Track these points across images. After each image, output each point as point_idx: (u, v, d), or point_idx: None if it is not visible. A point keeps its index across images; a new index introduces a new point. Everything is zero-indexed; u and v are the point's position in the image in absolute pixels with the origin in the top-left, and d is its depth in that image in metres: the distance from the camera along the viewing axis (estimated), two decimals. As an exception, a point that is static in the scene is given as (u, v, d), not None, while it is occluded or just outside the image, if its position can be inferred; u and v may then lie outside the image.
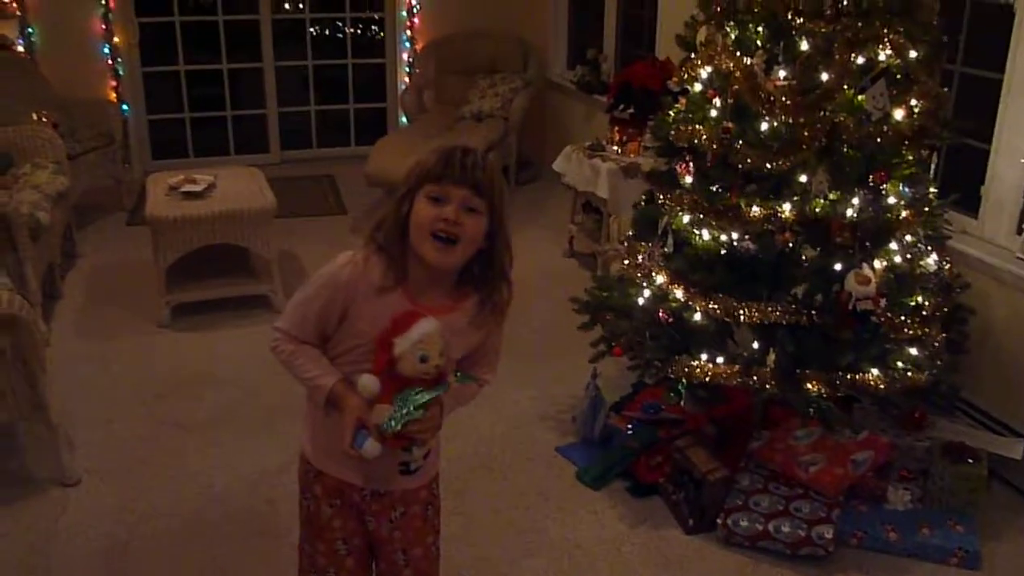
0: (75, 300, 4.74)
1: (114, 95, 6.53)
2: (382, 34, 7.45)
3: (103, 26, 6.42)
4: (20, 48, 6.22)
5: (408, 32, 7.17)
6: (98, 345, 4.24)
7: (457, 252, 1.73)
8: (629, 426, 3.44)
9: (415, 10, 7.12)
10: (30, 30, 6.24)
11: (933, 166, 3.16)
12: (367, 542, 2.00)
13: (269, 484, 3.18)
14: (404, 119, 7.10)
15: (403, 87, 7.20)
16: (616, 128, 4.99)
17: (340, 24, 7.71)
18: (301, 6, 7.51)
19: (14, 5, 6.14)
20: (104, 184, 6.06)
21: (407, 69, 7.25)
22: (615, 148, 4.94)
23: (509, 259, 1.83)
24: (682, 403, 3.38)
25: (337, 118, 7.58)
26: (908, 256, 2.92)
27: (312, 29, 7.44)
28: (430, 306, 1.76)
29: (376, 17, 7.51)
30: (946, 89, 3.31)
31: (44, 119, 5.50)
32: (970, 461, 3.01)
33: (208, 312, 4.47)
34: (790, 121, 2.80)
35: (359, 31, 7.85)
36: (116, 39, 6.48)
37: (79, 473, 3.20)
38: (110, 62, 6.50)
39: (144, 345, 4.25)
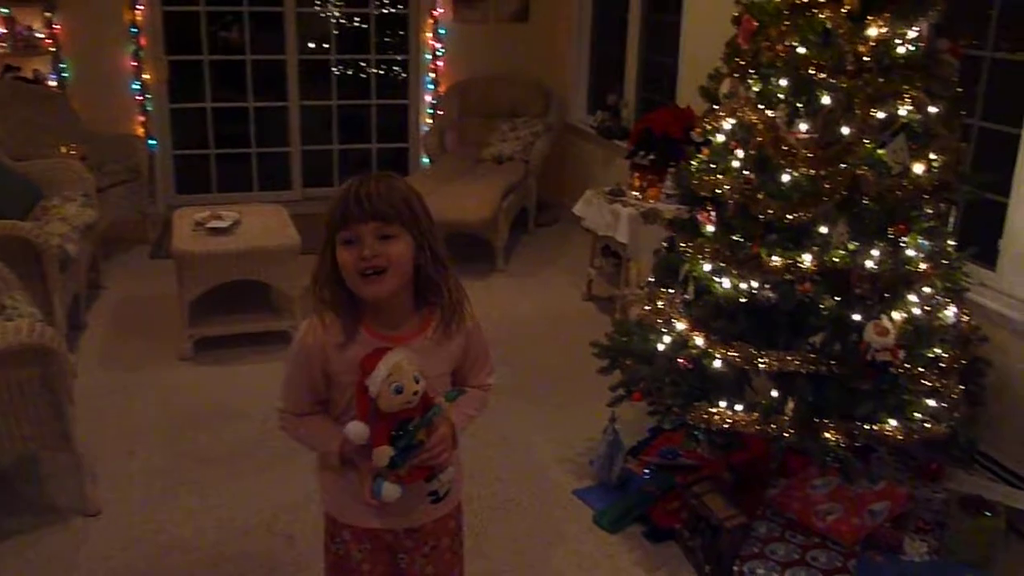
0: (99, 331, 4.81)
1: (142, 130, 6.65)
2: (405, 75, 7.57)
3: (134, 63, 6.55)
4: (52, 83, 6.35)
5: (431, 75, 7.28)
6: (121, 376, 4.29)
7: (389, 280, 1.75)
8: (646, 471, 3.45)
9: (438, 53, 7.24)
10: (63, 65, 6.37)
11: (952, 219, 3.19)
12: None
13: (288, 519, 3.21)
14: (426, 160, 7.19)
15: (425, 128, 7.29)
16: (636, 174, 5.05)
17: (364, 65, 7.84)
18: (327, 46, 7.63)
19: (48, 41, 6.28)
20: (129, 217, 6.15)
21: (429, 111, 7.35)
22: (635, 193, 5.00)
23: (443, 270, 1.83)
24: (699, 449, 3.39)
25: (359, 158, 7.67)
26: (926, 308, 2.94)
27: (336, 69, 7.56)
28: (400, 335, 1.80)
29: (400, 59, 7.63)
30: (965, 143, 3.36)
31: (72, 152, 5.61)
32: (987, 514, 3.01)
33: (230, 346, 4.52)
34: (811, 173, 2.84)
35: (383, 72, 7.97)
36: (146, 76, 6.61)
37: (100, 504, 3.23)
38: (139, 98, 6.63)
39: (166, 377, 4.30)
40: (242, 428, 3.80)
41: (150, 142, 6.63)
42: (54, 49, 6.33)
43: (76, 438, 3.13)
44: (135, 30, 6.50)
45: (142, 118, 6.66)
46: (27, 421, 3.01)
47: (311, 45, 7.85)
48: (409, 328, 1.82)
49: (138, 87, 6.61)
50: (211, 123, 7.13)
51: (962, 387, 3.01)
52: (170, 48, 6.78)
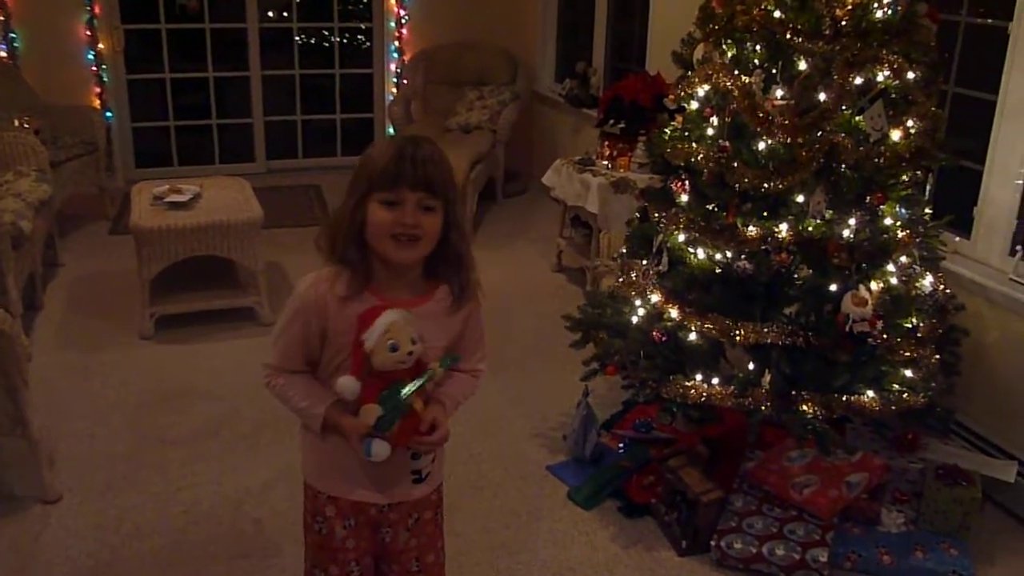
0: (56, 311, 4.67)
1: (98, 102, 6.47)
2: (369, 44, 7.42)
3: (88, 32, 6.35)
4: (3, 53, 6.15)
5: (396, 43, 7.14)
6: (80, 357, 4.17)
7: (419, 249, 1.73)
8: (621, 445, 3.41)
9: (403, 20, 7.09)
10: (13, 35, 6.17)
11: (928, 187, 3.16)
12: (375, 559, 1.99)
13: (254, 503, 3.13)
14: (391, 130, 7.07)
15: (390, 98, 7.17)
16: (606, 142, 4.97)
17: (327, 33, 7.67)
18: (286, 15, 7.46)
19: (-2, 10, 6.08)
20: (87, 192, 5.99)
21: (395, 80, 7.22)
22: (605, 163, 4.92)
23: (467, 244, 1.82)
24: (674, 423, 3.35)
25: (323, 128, 7.54)
26: (904, 277, 2.91)
27: (299, 38, 7.39)
28: (401, 299, 1.76)
29: (364, 27, 7.48)
30: (940, 110, 3.32)
31: (26, 125, 5.43)
32: (964, 484, 2.99)
33: (193, 324, 4.40)
34: (788, 141, 2.79)
35: (346, 40, 7.81)
36: (101, 45, 6.42)
37: (60, 490, 3.13)
38: (94, 69, 6.44)
39: (127, 358, 4.18)
40: (206, 408, 3.70)
41: (107, 114, 6.44)
42: (3, 18, 6.12)
43: (32, 423, 3.02)
44: (88, -2, 6.29)
45: (98, 89, 6.48)
46: (-20, 406, 2.90)
47: (270, 14, 7.67)
48: (414, 295, 1.79)
49: (93, 57, 6.41)
50: (170, 94, 6.95)
51: (938, 357, 2.99)
52: (125, 16, 6.58)
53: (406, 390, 1.70)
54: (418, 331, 1.71)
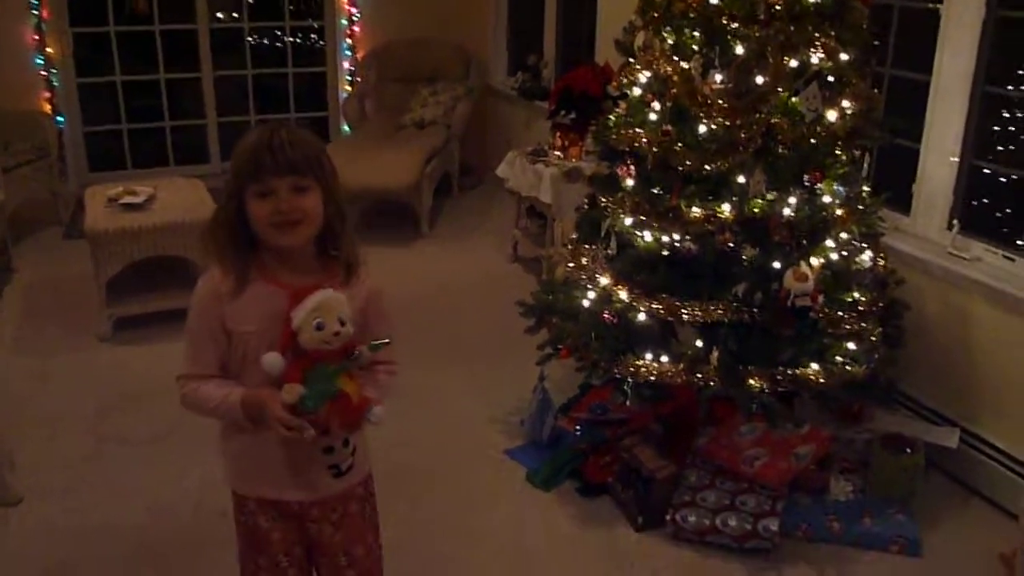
0: (12, 316, 4.65)
1: (48, 107, 6.39)
2: (322, 43, 7.42)
3: (36, 36, 6.28)
4: (-52, 59, 6.07)
5: (348, 40, 7.14)
6: (37, 361, 4.15)
7: (302, 231, 1.74)
8: (577, 427, 3.47)
9: (355, 18, 7.10)
10: (-41, 41, 6.09)
11: (866, 165, 3.25)
12: (306, 550, 2.00)
13: (217, 496, 3.11)
14: (346, 128, 7.07)
15: (344, 96, 7.17)
16: (558, 133, 5.03)
17: (279, 33, 7.65)
18: (236, 16, 7.42)
19: (-59, 16, 6.00)
20: (40, 197, 5.93)
21: (348, 78, 7.22)
22: (557, 153, 4.98)
23: (342, 218, 1.81)
24: (628, 402, 3.41)
25: (278, 128, 7.49)
26: (844, 253, 2.99)
27: (250, 38, 7.35)
28: (304, 285, 1.75)
29: (315, 25, 7.47)
30: (877, 91, 3.41)
31: (-26, 132, 5.39)
32: (908, 451, 3.09)
33: (150, 325, 4.40)
34: (727, 123, 2.86)
35: (298, 39, 7.79)
36: (50, 50, 6.34)
37: (21, 492, 3.13)
38: (44, 73, 6.36)
39: (85, 360, 4.17)
40: (166, 407, 3.66)
41: (58, 119, 6.38)
42: (-52, 24, 6.04)
43: (-9, 425, 3.04)
44: (35, 1, 6.21)
45: (48, 94, 6.39)
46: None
47: (220, 16, 7.63)
48: (313, 278, 1.78)
49: (42, 62, 6.34)
50: (122, 97, 6.89)
51: (881, 329, 3.08)
52: (74, 19, 6.50)
53: (332, 372, 1.70)
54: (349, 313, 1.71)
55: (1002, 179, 3.57)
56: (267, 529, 1.93)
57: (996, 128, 3.64)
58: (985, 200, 3.75)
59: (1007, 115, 3.69)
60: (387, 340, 1.83)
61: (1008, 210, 3.75)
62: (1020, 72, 3.53)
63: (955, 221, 3.39)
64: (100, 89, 6.86)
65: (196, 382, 1.83)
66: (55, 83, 6.41)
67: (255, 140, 1.71)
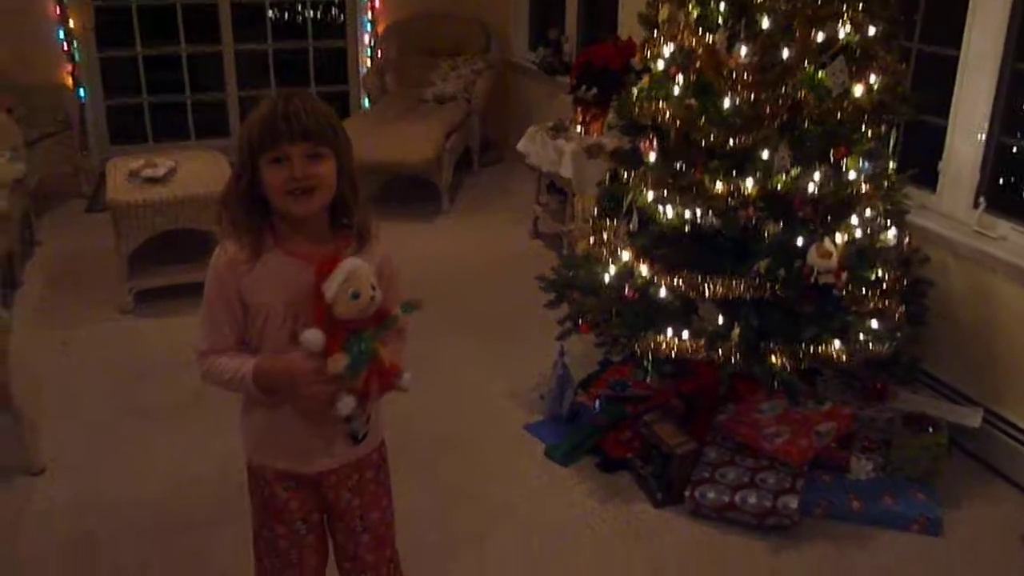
0: (35, 288, 4.68)
1: (70, 80, 6.42)
2: (342, 17, 7.39)
3: (58, 10, 6.30)
4: (-29, 32, 6.09)
5: (369, 14, 7.11)
6: (60, 333, 4.19)
7: (316, 198, 1.74)
8: (597, 403, 3.47)
9: (376, -8, 7.07)
10: (-18, 15, 6.11)
11: (892, 141, 3.20)
12: (322, 516, 2.02)
13: (238, 469, 3.13)
14: (366, 102, 7.05)
15: (364, 70, 7.15)
16: (579, 109, 4.99)
17: (300, 7, 7.63)
18: (259, -12, 7.41)
19: (-36, -11, 6.02)
20: (62, 171, 5.96)
21: (368, 52, 7.19)
22: (578, 128, 4.95)
23: (355, 186, 1.80)
24: (648, 379, 3.40)
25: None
26: (868, 230, 2.95)
27: (271, 12, 7.35)
28: (312, 255, 1.75)
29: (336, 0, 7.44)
30: (904, 65, 3.36)
31: (-3, 104, 5.41)
32: (930, 430, 3.07)
33: (171, 298, 4.41)
34: (752, 98, 2.83)
35: (319, 14, 7.77)
36: (71, 23, 6.36)
37: (44, 462, 3.16)
38: (65, 47, 6.38)
39: (107, 332, 4.20)
40: (187, 379, 3.70)
41: (79, 92, 6.40)
42: (-30, -3, 6.06)
43: (15, 395, 3.05)
44: (58, -25, 6.23)
45: (70, 67, 6.42)
46: (-39, 380, 2.93)
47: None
48: (328, 248, 1.78)
49: (63, 35, 6.35)
50: (143, 71, 6.91)
51: (904, 307, 3.05)
52: (95, -7, 6.53)
53: (373, 338, 1.71)
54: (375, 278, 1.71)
55: (1030, 157, 3.52)
56: (285, 499, 1.94)
57: (1025, 105, 3.58)
58: (1012, 178, 3.70)
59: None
60: (418, 302, 1.83)
61: (1035, 188, 3.70)
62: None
63: (981, 199, 3.35)
64: (121, 63, 6.88)
65: (214, 356, 1.83)
66: (77, 57, 6.43)
67: (269, 108, 1.70)
